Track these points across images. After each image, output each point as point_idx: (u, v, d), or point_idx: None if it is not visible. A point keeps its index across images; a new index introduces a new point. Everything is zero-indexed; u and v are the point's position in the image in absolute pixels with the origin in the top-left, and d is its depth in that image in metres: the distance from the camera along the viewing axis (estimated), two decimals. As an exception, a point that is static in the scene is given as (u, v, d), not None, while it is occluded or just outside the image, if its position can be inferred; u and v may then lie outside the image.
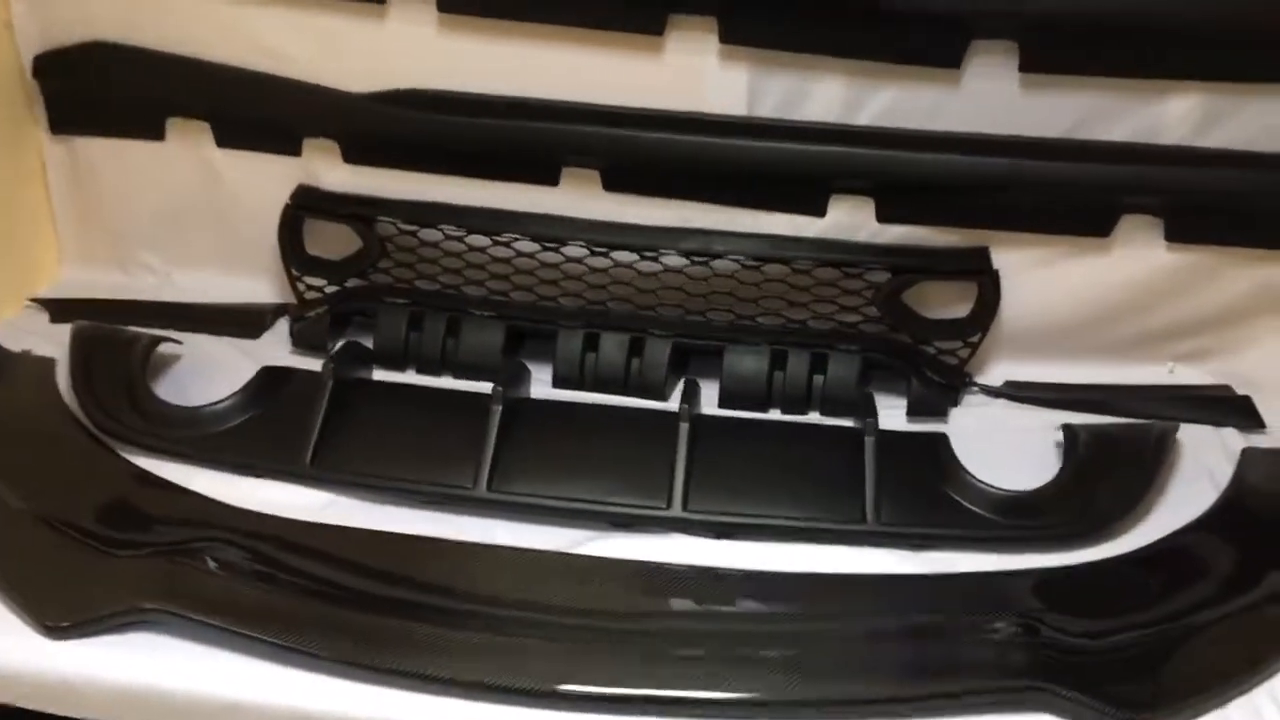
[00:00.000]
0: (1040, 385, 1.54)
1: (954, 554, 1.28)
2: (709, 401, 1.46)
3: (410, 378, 1.51)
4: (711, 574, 1.22)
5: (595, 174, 1.51)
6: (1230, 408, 1.49)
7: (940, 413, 1.47)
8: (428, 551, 1.23)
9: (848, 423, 1.42)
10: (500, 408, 1.34)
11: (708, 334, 1.51)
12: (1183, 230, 1.45)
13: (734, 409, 1.46)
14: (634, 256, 1.51)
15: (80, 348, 1.44)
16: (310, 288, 1.60)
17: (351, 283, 1.59)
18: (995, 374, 1.55)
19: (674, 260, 1.50)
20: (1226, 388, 1.53)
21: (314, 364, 1.50)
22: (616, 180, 1.51)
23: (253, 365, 1.51)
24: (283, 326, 1.61)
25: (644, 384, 1.48)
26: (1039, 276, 1.50)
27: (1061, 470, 1.33)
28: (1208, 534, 1.26)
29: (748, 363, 1.47)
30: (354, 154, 1.55)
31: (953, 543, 1.28)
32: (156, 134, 1.60)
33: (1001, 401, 1.53)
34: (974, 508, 1.30)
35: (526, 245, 1.53)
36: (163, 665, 1.11)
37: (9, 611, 1.15)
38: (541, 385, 1.49)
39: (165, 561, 1.19)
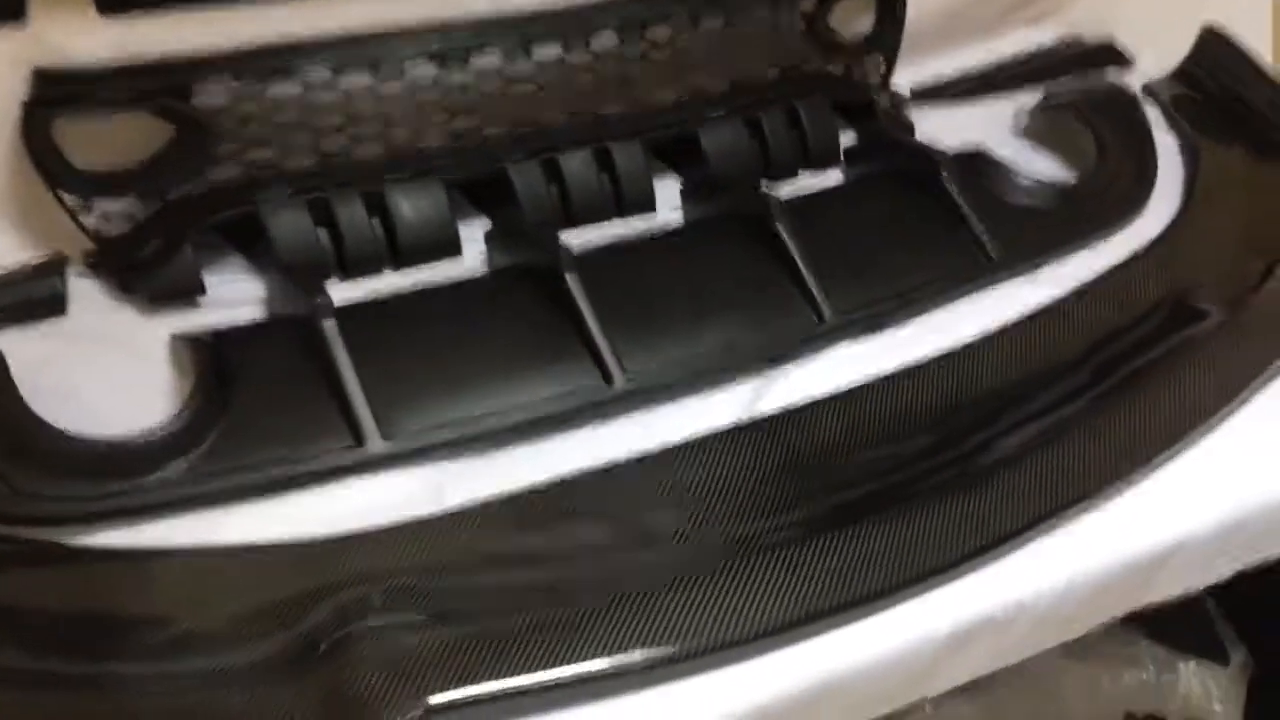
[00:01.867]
0: (946, 83, 1.47)
1: (1064, 264, 1.20)
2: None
3: (349, 290, 1.08)
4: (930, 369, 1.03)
5: (465, -44, 1.13)
6: (1097, 54, 1.53)
7: (911, 132, 1.35)
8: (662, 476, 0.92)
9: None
10: (578, 274, 1.00)
11: (669, 122, 1.23)
12: None
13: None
14: (558, 50, 1.18)
15: None
16: (109, 217, 1.07)
17: (176, 191, 1.09)
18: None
19: (606, 42, 1.20)
20: (1079, 38, 1.56)
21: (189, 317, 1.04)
22: (492, -45, 1.15)
23: (110, 353, 1.00)
24: (87, 288, 1.08)
25: (631, 199, 1.19)
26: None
27: (1099, 148, 1.28)
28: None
29: (726, 137, 1.24)
30: (116, -2, 1.02)
31: (1061, 250, 1.19)
32: None
33: (925, 106, 1.44)
34: (1047, 207, 1.22)
35: (424, 70, 1.13)
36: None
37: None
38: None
39: (335, 658, 0.77)
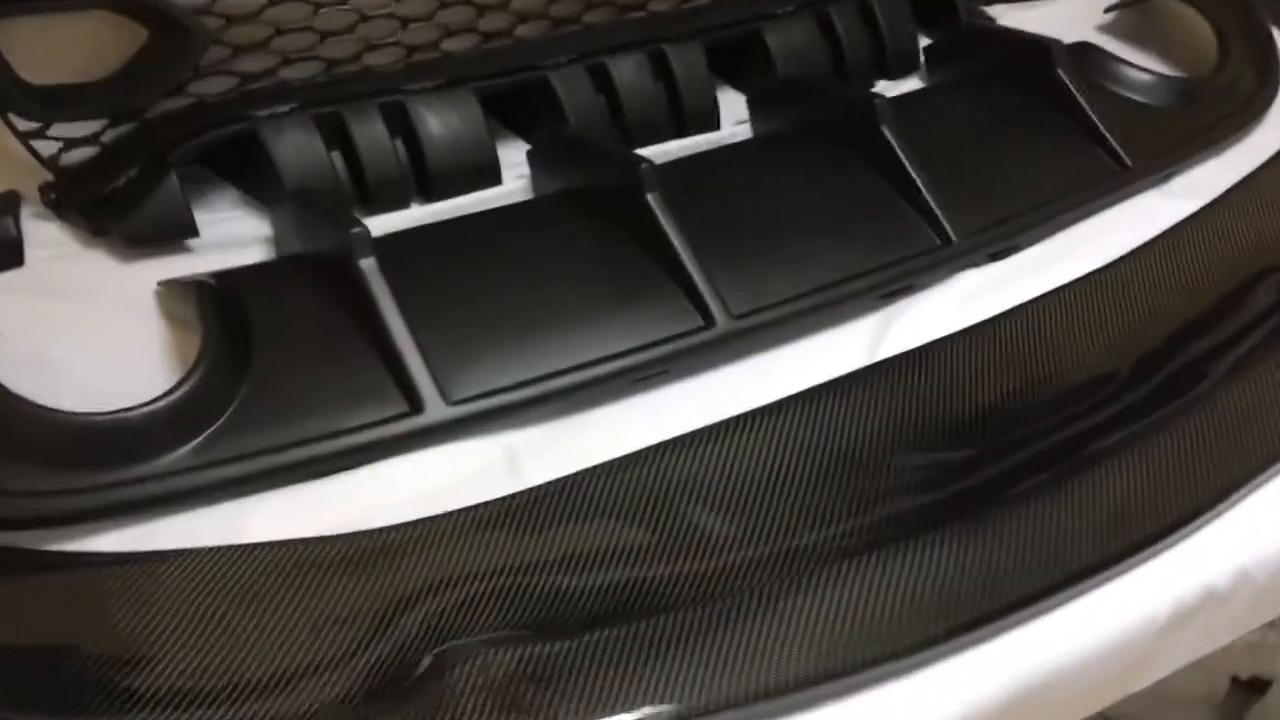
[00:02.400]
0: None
1: (1191, 171, 1.03)
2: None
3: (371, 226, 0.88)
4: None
5: None
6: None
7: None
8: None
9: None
10: (660, 192, 0.82)
11: (729, 19, 1.05)
12: None
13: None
14: (601, -69, 0.99)
15: None
16: (70, 142, 0.87)
17: (153, 109, 0.89)
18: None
19: (653, -79, 1.01)
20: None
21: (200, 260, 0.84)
22: None
23: (83, 310, 0.81)
24: (47, 232, 0.87)
25: (693, 112, 1.01)
26: None
27: (1220, 40, 1.12)
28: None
29: (796, 36, 1.06)
30: None
31: (1190, 155, 1.03)
32: None
33: (996, 6, 1.26)
34: (1169, 106, 1.06)
35: (448, -44, 0.93)
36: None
37: None
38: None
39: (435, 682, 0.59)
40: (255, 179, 0.89)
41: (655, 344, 0.78)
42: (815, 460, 0.74)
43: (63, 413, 0.67)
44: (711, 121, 1.01)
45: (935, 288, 0.88)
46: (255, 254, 0.86)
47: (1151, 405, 0.75)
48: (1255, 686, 1.33)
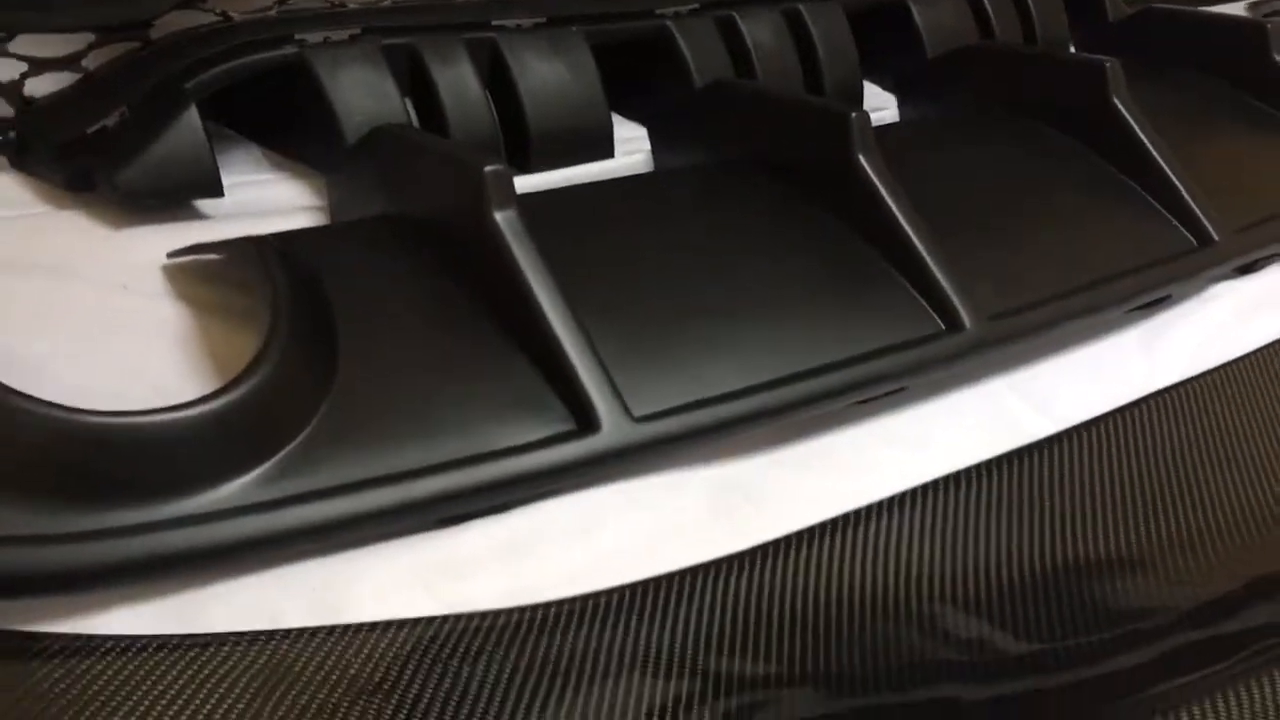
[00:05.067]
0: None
1: None
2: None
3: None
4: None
5: None
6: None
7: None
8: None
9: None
10: (877, 154, 0.61)
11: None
12: None
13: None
14: None
15: None
16: (39, 64, 0.63)
17: (157, 26, 0.65)
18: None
19: None
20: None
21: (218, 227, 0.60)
22: None
23: (72, 287, 0.57)
24: (6, 185, 0.63)
25: (836, 84, 0.80)
26: None
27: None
28: None
29: (946, 8, 0.87)
30: None
31: None
32: None
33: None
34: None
35: None
36: None
37: None
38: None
39: None
40: (296, 130, 0.66)
41: (891, 350, 0.55)
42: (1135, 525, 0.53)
43: (59, 409, 0.42)
44: (853, 96, 0.81)
45: (1193, 302, 0.68)
46: (299, 225, 0.62)
47: None
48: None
